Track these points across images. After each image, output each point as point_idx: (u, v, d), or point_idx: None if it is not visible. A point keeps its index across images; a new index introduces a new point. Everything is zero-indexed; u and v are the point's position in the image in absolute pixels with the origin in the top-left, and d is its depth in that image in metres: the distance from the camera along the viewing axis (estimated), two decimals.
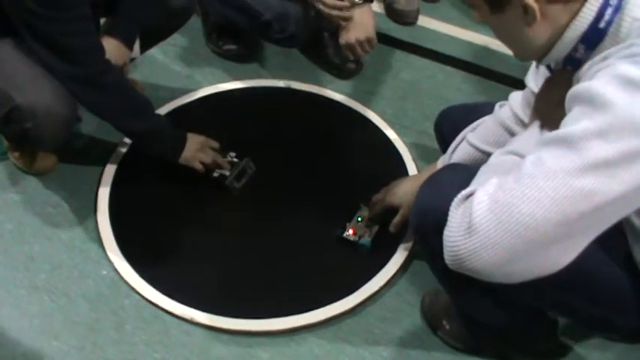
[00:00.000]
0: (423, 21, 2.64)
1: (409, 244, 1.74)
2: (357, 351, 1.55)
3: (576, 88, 1.00)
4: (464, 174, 1.18)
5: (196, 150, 1.80)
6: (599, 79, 0.98)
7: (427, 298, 1.63)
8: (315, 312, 1.59)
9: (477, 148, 1.52)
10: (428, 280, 1.60)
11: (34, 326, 1.55)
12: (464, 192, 1.07)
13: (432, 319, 1.59)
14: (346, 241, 1.72)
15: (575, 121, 0.97)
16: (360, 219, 1.76)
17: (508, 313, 1.35)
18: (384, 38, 2.47)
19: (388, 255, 1.72)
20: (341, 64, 2.31)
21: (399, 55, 2.44)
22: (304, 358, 1.53)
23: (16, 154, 1.87)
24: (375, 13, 2.08)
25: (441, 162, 1.61)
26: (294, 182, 1.92)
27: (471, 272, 1.05)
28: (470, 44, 2.53)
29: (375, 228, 1.74)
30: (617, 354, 1.57)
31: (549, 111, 1.19)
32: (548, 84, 1.24)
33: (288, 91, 2.25)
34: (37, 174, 1.88)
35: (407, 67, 2.39)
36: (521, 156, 1.10)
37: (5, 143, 1.88)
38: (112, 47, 1.74)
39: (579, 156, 0.94)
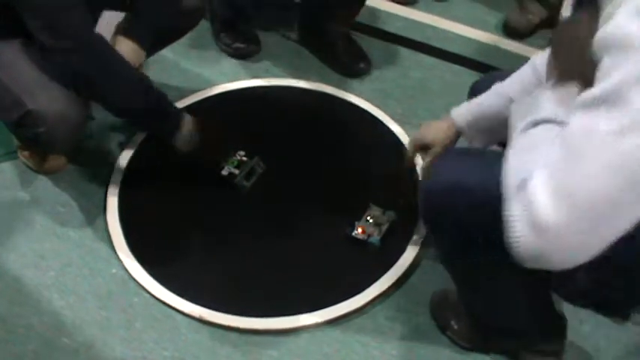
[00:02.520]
0: (432, 20, 2.62)
1: (418, 243, 1.74)
2: (366, 350, 1.55)
3: (600, 35, 0.93)
4: (478, 151, 1.11)
5: (192, 131, 1.77)
6: (620, 16, 0.90)
7: (436, 297, 1.62)
8: (324, 310, 1.60)
9: (502, 95, 1.46)
10: (436, 279, 1.61)
11: (44, 324, 1.56)
12: (512, 184, 0.99)
13: (440, 319, 1.59)
14: (355, 239, 1.73)
15: (608, 75, 0.89)
16: (369, 218, 1.76)
17: (517, 312, 1.35)
18: (393, 37, 2.47)
19: (397, 254, 1.72)
20: (350, 63, 2.30)
21: (408, 54, 2.44)
22: (313, 356, 1.53)
23: (26, 153, 1.88)
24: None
25: (454, 113, 1.57)
26: (303, 181, 1.92)
27: (547, 267, 0.97)
28: (479, 43, 2.52)
29: (385, 227, 1.74)
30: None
31: (574, 55, 1.09)
32: (567, 25, 1.15)
33: (297, 90, 2.25)
34: (47, 173, 1.89)
35: (416, 66, 2.38)
36: (558, 123, 1.02)
37: (15, 142, 1.88)
38: (128, 48, 1.74)
39: (623, 113, 0.87)
